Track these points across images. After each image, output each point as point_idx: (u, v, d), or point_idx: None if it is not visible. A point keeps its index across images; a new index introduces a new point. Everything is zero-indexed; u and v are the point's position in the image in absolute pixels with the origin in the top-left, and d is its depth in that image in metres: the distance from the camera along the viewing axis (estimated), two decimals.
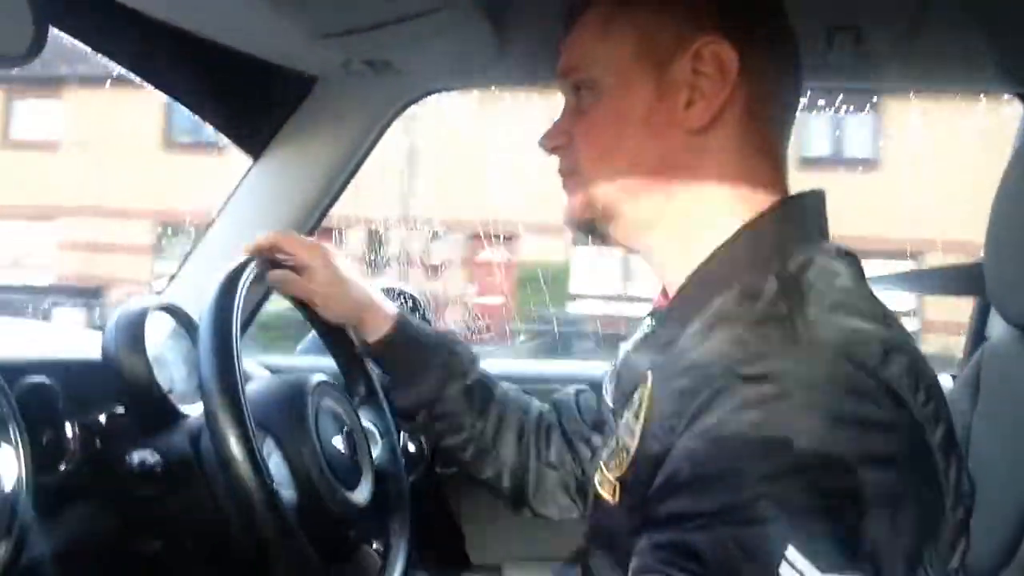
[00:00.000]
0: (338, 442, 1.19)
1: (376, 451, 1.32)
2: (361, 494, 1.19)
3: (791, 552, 0.70)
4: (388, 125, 1.76)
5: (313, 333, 1.40)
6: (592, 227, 1.03)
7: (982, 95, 1.87)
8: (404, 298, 1.88)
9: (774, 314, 0.83)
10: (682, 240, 0.97)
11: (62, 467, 1.09)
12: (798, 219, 0.96)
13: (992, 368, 1.31)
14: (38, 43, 0.84)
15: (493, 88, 1.78)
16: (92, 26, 1.37)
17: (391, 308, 1.34)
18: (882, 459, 0.75)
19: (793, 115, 1.02)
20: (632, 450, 0.90)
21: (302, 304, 1.31)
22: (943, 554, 0.81)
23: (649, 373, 0.92)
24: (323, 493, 1.14)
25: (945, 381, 1.63)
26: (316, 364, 1.52)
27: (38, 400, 1.07)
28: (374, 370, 1.40)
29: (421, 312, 1.89)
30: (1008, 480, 1.15)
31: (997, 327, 1.65)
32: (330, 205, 1.77)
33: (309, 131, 1.70)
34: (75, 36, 1.36)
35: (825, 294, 0.85)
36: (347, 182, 1.77)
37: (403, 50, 1.47)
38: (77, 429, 1.11)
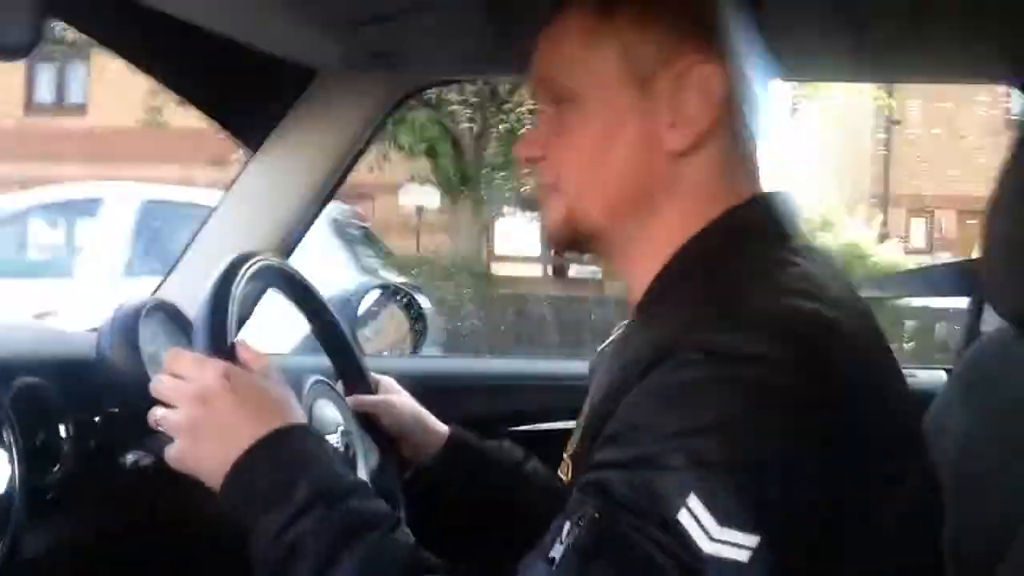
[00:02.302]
0: (333, 440, 1.18)
1: (372, 451, 1.31)
2: None
3: (693, 501, 0.75)
4: (388, 118, 1.75)
5: (308, 331, 1.39)
6: (574, 245, 1.03)
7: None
8: (400, 296, 1.88)
9: (721, 297, 0.86)
10: (656, 252, 0.97)
11: (56, 468, 1.08)
12: (761, 216, 0.97)
13: (986, 363, 1.30)
14: (38, 35, 0.83)
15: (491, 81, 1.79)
16: (89, 16, 1.37)
17: (442, 426, 1.39)
18: (802, 430, 0.78)
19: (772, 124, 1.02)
20: (582, 426, 0.97)
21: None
22: (894, 543, 0.84)
23: (607, 359, 1.00)
24: None
25: (939, 376, 1.63)
26: (312, 364, 1.51)
27: (32, 400, 1.07)
28: (369, 367, 1.39)
29: (417, 309, 1.88)
30: (1002, 474, 1.14)
31: (992, 322, 1.65)
32: (329, 198, 1.76)
33: (308, 124, 1.69)
34: (73, 26, 1.36)
35: (776, 281, 0.87)
36: (346, 175, 1.77)
37: (402, 42, 1.47)
38: (71, 429, 1.11)
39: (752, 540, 0.74)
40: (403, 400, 1.38)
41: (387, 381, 1.40)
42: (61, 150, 14.13)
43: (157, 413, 1.01)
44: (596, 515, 0.78)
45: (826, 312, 0.83)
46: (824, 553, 0.80)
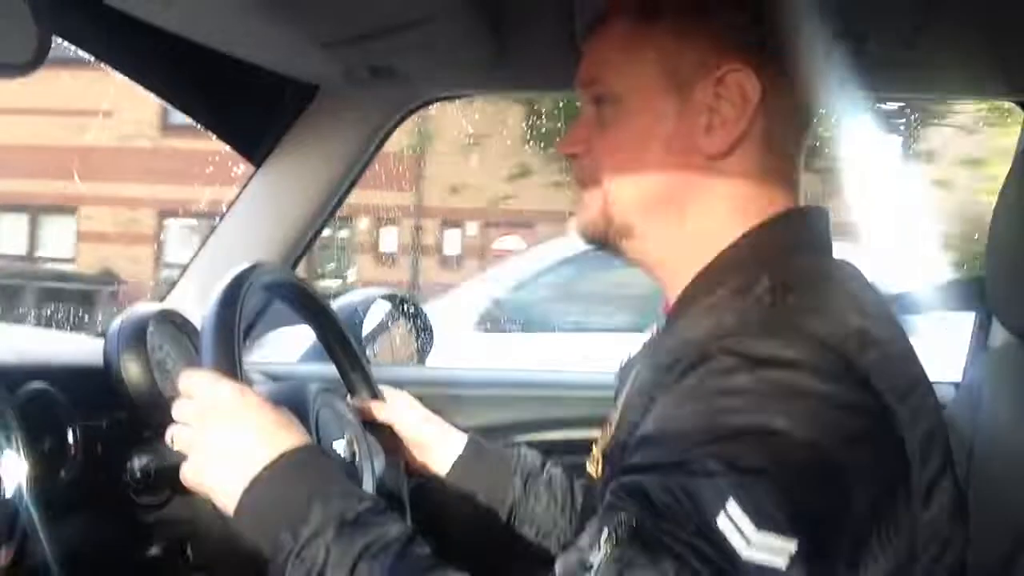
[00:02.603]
0: (339, 447, 1.18)
1: (377, 459, 1.31)
2: None
3: (731, 505, 0.75)
4: (390, 132, 1.77)
5: (315, 340, 1.40)
6: (605, 240, 1.05)
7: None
8: (405, 305, 1.88)
9: (760, 304, 0.87)
10: (690, 256, 0.99)
11: (63, 473, 1.09)
12: (797, 229, 0.99)
13: (994, 377, 1.31)
14: (42, 52, 0.84)
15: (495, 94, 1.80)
16: (95, 35, 1.38)
17: (458, 432, 1.38)
18: (839, 437, 0.79)
19: (810, 136, 1.03)
20: (614, 424, 0.97)
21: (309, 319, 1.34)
22: (922, 551, 0.85)
23: (640, 359, 1.01)
24: None
25: (947, 390, 1.64)
26: (319, 372, 1.51)
27: (39, 406, 1.07)
28: (375, 375, 1.40)
29: (422, 318, 1.89)
30: (1010, 487, 1.15)
31: (999, 336, 1.65)
32: (333, 212, 1.78)
33: (311, 139, 1.70)
34: (78, 45, 1.36)
35: (814, 291, 0.89)
36: (349, 190, 1.78)
37: (404, 57, 1.48)
38: (79, 435, 1.11)
39: (790, 545, 0.74)
40: (414, 410, 1.38)
41: (396, 393, 1.40)
42: (200, 171, 13.82)
43: (172, 431, 1.02)
44: (634, 522, 0.78)
45: (861, 321, 0.85)
46: (859, 561, 0.80)
